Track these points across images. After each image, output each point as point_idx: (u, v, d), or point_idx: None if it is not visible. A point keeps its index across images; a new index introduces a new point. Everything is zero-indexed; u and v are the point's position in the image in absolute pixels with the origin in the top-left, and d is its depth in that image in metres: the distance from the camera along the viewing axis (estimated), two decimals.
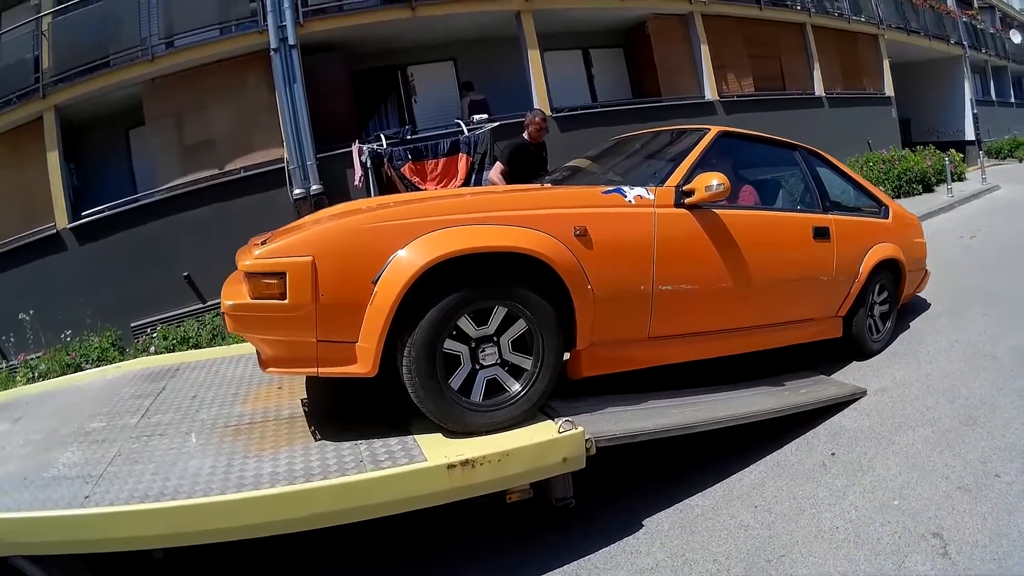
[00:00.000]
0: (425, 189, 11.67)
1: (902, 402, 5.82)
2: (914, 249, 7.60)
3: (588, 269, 4.41)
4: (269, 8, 11.84)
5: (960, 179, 21.04)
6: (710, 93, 16.77)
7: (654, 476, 4.97)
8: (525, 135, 8.67)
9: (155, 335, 9.68)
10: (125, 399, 5.06)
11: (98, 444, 4.11)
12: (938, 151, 21.48)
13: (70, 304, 10.97)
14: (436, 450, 3.75)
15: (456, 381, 4.16)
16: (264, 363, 4.11)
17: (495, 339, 4.25)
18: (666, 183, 5.15)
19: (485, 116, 13.38)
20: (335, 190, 12.02)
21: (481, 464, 3.62)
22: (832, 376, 6.46)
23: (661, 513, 4.48)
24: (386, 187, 11.82)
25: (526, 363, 4.32)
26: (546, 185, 6.14)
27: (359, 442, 3.96)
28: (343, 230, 4.12)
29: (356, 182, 11.93)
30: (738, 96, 17.71)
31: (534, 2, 14.17)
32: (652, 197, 4.96)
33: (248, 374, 5.63)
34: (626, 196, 4.90)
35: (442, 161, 12.13)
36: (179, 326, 9.91)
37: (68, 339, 9.94)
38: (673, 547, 4.11)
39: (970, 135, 28.04)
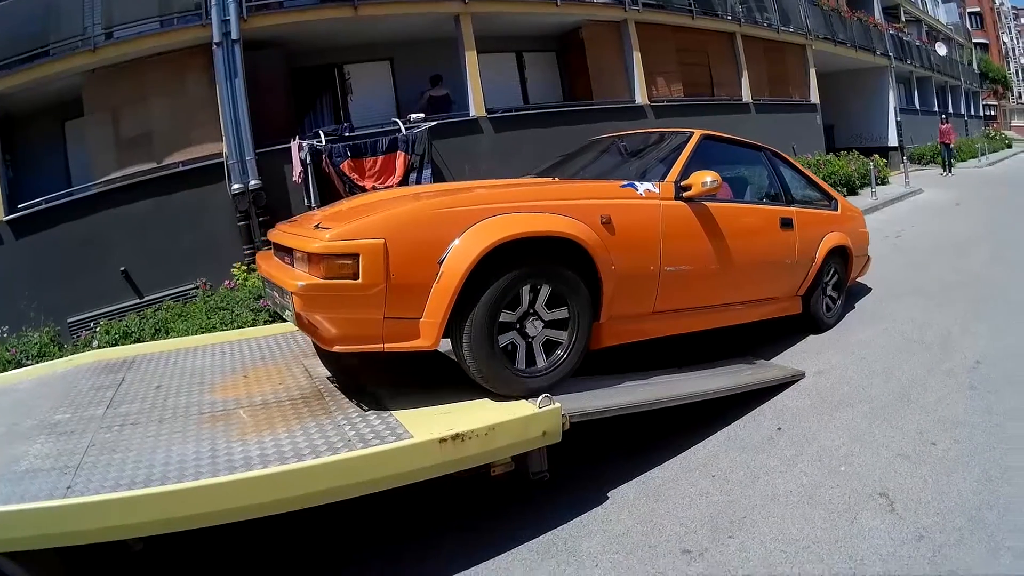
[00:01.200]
0: (364, 186, 11.72)
1: (840, 383, 6.24)
2: (859, 238, 8.54)
3: (612, 252, 4.95)
4: (214, 1, 11.72)
5: (884, 183, 21.79)
6: (640, 98, 17.02)
7: (614, 452, 5.25)
8: None
9: (97, 330, 9.49)
10: (85, 391, 4.97)
11: (68, 436, 4.04)
12: (862, 156, 22.14)
13: (7, 299, 10.71)
14: (419, 426, 3.86)
15: (512, 352, 4.63)
16: (329, 341, 4.31)
17: (539, 313, 4.72)
18: (666, 179, 5.77)
19: (422, 115, 13.35)
20: (273, 186, 11.99)
21: (470, 438, 3.77)
22: (771, 361, 6.85)
23: (625, 485, 4.73)
24: (325, 184, 11.77)
25: (563, 335, 4.86)
26: (556, 180, 6.65)
27: (342, 422, 4.05)
28: (413, 214, 4.44)
29: (295, 178, 11.86)
30: (667, 101, 17.98)
31: (472, 5, 14.21)
32: (658, 191, 5.60)
33: (209, 365, 5.62)
34: (638, 189, 5.50)
35: (380, 159, 12.11)
36: (120, 320, 9.71)
37: (6, 335, 9.76)
38: (641, 514, 4.35)
39: (893, 141, 28.99)
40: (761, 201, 7.26)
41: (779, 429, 5.41)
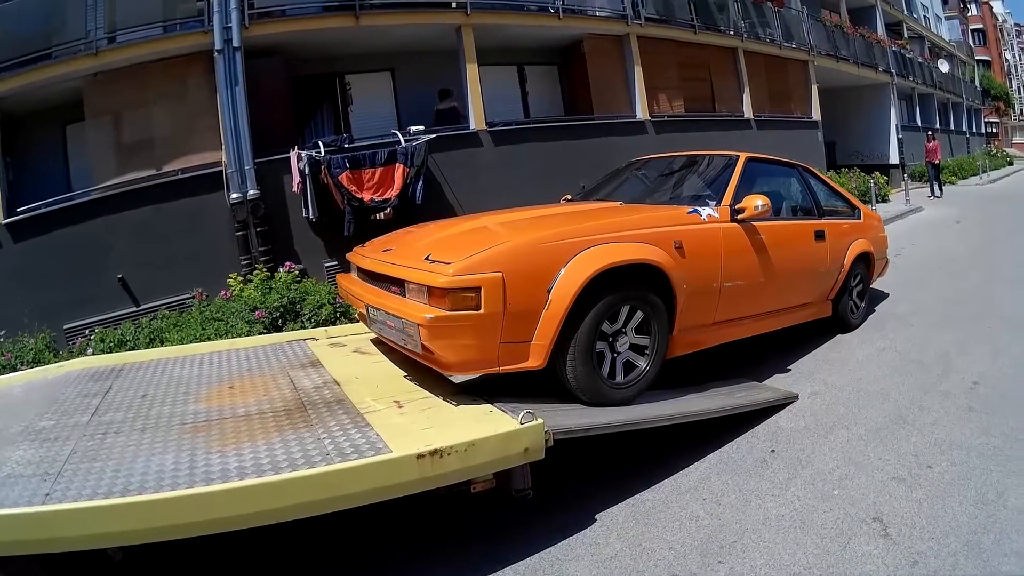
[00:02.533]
0: (362, 198, 11.69)
1: (835, 404, 6.22)
2: (879, 242, 9.25)
3: (683, 272, 5.63)
4: (216, 8, 11.66)
5: (884, 200, 21.85)
6: (641, 113, 16.97)
7: (606, 474, 5.19)
8: None
9: (92, 337, 9.47)
10: (72, 398, 5.02)
11: (51, 442, 4.08)
12: (863, 173, 22.20)
13: (4, 303, 10.66)
14: (400, 441, 3.86)
15: (603, 365, 5.29)
16: (449, 367, 4.85)
17: (626, 331, 5.43)
18: (722, 203, 6.46)
19: (422, 128, 13.23)
20: (272, 196, 11.92)
21: (449, 454, 3.76)
22: (764, 383, 6.82)
23: (615, 507, 4.68)
24: (323, 195, 11.70)
25: (645, 350, 5.57)
26: (622, 204, 7.09)
27: (322, 435, 4.05)
28: (526, 248, 4.97)
29: (294, 188, 11.77)
30: (668, 116, 17.91)
31: (474, 17, 14.15)
32: (717, 215, 6.29)
33: (195, 374, 5.65)
34: (701, 215, 6.18)
35: (379, 171, 11.97)
36: (116, 329, 9.71)
37: (2, 339, 9.68)
38: (630, 538, 4.30)
39: (895, 159, 28.93)
40: (796, 215, 7.97)
41: (772, 451, 5.37)
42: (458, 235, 5.82)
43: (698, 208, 6.27)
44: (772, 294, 7.00)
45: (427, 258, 4.93)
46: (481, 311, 4.56)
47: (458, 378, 5.24)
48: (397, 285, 5.17)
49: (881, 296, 10.00)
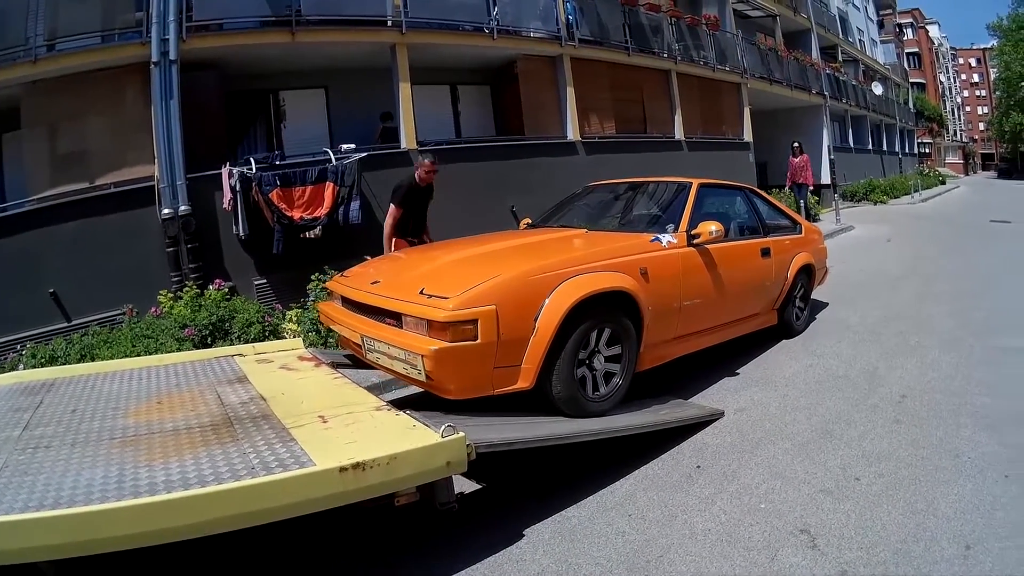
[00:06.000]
0: (292, 216, 11.63)
1: (762, 420, 6.34)
2: (819, 253, 10.06)
3: (649, 296, 6.18)
4: (154, 20, 11.51)
5: (815, 220, 21.86)
6: (572, 134, 17.07)
7: (531, 490, 5.24)
8: (416, 178, 9.59)
9: (24, 353, 9.23)
10: (3, 412, 5.00)
11: None
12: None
13: None
14: (323, 455, 3.86)
15: (583, 382, 5.77)
16: (450, 392, 5.17)
17: (601, 350, 5.92)
18: (679, 229, 7.02)
19: (353, 146, 13.17)
20: (203, 212, 11.72)
21: (371, 467, 3.80)
22: (690, 400, 6.91)
23: (540, 524, 4.71)
24: (253, 212, 11.56)
25: (618, 365, 6.07)
26: (587, 231, 7.61)
27: (247, 450, 4.03)
28: (515, 282, 5.37)
29: (225, 206, 11.61)
30: (600, 138, 18.05)
31: (409, 36, 14.17)
32: (676, 241, 6.84)
33: (125, 389, 5.62)
34: (662, 242, 6.73)
35: (309, 189, 11.91)
36: (47, 344, 9.45)
37: None
38: (556, 554, 4.32)
39: (826, 179, 29.25)
40: (744, 235, 8.44)
41: (698, 467, 5.46)
42: (447, 268, 6.26)
43: (659, 236, 6.79)
44: (726, 308, 7.61)
45: (422, 292, 5.32)
46: (478, 341, 4.96)
47: (386, 394, 5.42)
48: (392, 317, 5.53)
49: (811, 312, 10.19)
